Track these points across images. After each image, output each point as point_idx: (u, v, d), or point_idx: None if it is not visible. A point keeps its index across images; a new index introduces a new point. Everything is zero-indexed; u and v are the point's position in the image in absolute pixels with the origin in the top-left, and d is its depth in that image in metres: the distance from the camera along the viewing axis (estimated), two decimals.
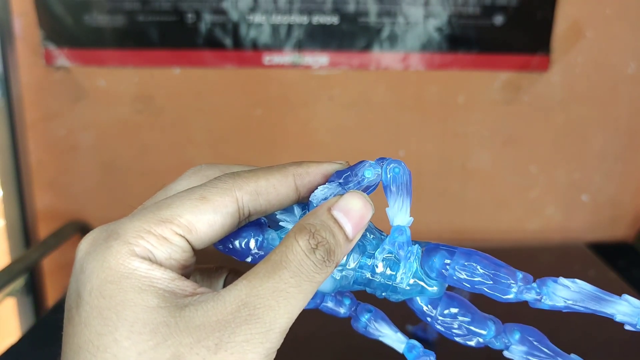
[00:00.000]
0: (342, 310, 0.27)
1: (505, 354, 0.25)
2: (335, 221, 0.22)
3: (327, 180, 0.25)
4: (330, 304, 0.27)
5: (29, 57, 0.76)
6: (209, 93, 0.79)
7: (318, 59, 0.77)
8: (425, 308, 0.25)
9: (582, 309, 0.23)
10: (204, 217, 0.22)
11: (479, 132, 0.82)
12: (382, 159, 0.25)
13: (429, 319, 0.25)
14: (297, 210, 0.25)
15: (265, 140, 0.81)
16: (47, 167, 0.81)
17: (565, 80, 0.80)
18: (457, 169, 0.84)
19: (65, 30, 0.74)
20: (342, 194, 0.24)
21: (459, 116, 0.81)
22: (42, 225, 0.80)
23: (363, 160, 0.25)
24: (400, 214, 0.25)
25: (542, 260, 0.77)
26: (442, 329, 0.25)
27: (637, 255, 0.83)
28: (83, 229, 0.81)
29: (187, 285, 0.21)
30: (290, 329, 0.21)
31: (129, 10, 0.74)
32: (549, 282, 0.23)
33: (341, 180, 0.25)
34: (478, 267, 0.24)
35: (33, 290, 0.77)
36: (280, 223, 0.25)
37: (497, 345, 0.25)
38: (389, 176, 0.25)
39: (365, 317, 0.27)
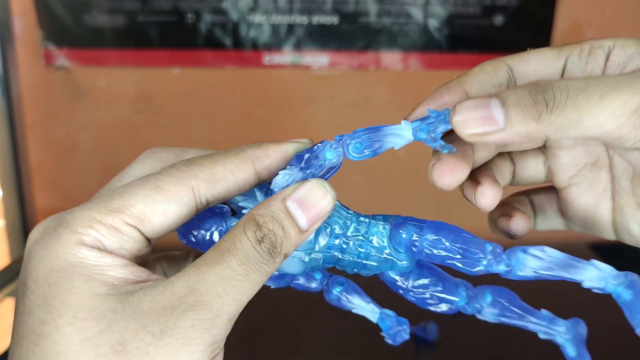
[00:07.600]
0: (313, 285, 0.26)
1: (478, 316, 0.25)
2: (288, 213, 0.22)
3: (288, 163, 0.24)
4: (301, 281, 0.26)
5: (28, 57, 0.76)
6: (209, 93, 0.79)
7: (318, 59, 0.77)
8: (397, 280, 0.25)
9: (551, 277, 0.23)
10: (158, 207, 0.21)
11: None
12: (341, 137, 0.24)
13: (401, 291, 0.25)
14: (258, 195, 0.24)
15: (265, 140, 0.81)
16: (47, 167, 0.81)
17: None
18: None
19: (65, 30, 0.74)
20: (302, 181, 0.23)
21: None
22: None
23: (324, 141, 0.24)
24: (400, 137, 0.24)
25: None
26: (415, 300, 0.25)
27: (637, 255, 0.82)
28: None
29: (140, 271, 0.21)
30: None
31: (129, 10, 0.74)
32: (519, 254, 0.23)
33: (302, 164, 0.23)
34: (446, 242, 0.23)
35: None
36: (243, 211, 0.24)
37: (469, 310, 0.25)
38: (353, 154, 0.24)
39: (337, 290, 0.26)
